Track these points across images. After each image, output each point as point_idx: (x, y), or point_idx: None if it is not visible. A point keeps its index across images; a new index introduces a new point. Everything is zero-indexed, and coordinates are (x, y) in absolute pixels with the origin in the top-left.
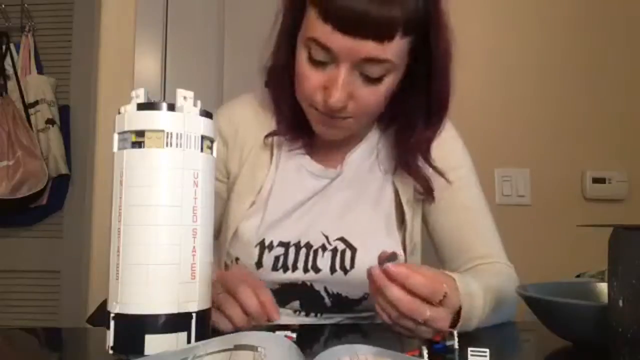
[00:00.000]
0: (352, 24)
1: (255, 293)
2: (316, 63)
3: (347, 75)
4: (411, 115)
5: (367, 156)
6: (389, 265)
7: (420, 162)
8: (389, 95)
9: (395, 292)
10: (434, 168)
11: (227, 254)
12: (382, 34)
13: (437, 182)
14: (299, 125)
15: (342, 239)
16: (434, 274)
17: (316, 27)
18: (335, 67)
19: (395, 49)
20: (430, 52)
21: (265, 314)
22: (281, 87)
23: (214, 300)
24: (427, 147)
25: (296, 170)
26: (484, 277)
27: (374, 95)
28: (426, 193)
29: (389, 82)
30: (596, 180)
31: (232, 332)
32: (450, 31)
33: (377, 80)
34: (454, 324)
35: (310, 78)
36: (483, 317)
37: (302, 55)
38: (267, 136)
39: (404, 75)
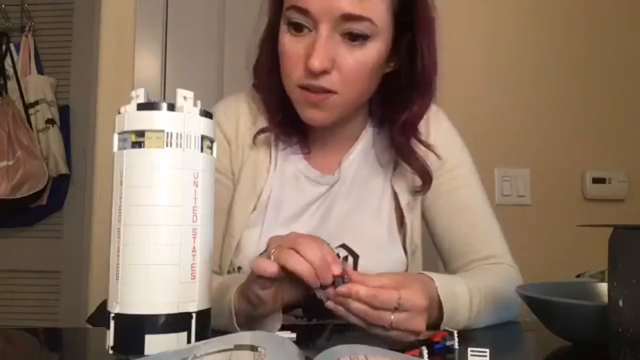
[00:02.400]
0: None
1: (317, 246)
2: (296, 30)
3: (327, 37)
4: (402, 98)
5: (365, 157)
6: (339, 289)
7: (414, 146)
8: (376, 73)
9: (354, 306)
10: (424, 144)
11: (230, 263)
12: None
13: (439, 185)
14: (290, 122)
15: (343, 246)
16: (388, 281)
17: None
18: (315, 32)
19: (374, 9)
20: (413, 24)
21: (329, 266)
22: (269, 83)
23: (272, 256)
24: (413, 124)
25: (294, 176)
26: (479, 277)
27: (358, 64)
28: (423, 180)
29: (374, 50)
30: (596, 180)
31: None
32: (433, 6)
33: (360, 42)
34: (437, 324)
35: (290, 48)
36: (472, 316)
37: (283, 30)
38: (257, 134)
39: (391, 60)
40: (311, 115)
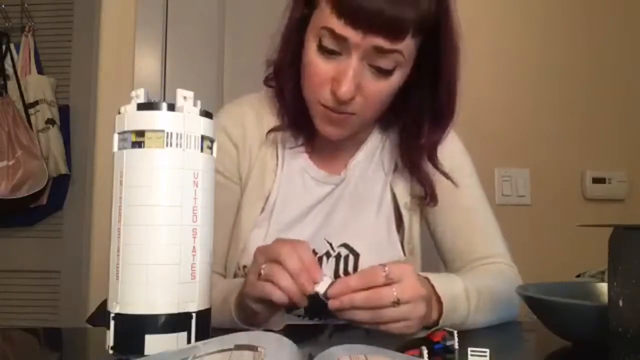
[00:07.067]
0: (364, 22)
1: (299, 256)
2: (326, 53)
3: (357, 66)
4: (417, 114)
5: (370, 159)
6: (332, 305)
7: (424, 164)
8: (395, 92)
9: (356, 296)
10: (442, 172)
11: (237, 264)
12: (394, 33)
13: (439, 184)
14: (302, 121)
15: (345, 245)
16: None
17: (329, 19)
18: (347, 57)
19: (406, 45)
20: (439, 51)
21: (309, 275)
22: (287, 81)
23: (260, 273)
24: (434, 149)
25: (300, 177)
26: (477, 277)
27: (381, 91)
28: (429, 197)
29: (397, 78)
30: (596, 180)
31: (286, 304)
32: (459, 33)
33: (387, 73)
34: (436, 322)
35: (319, 68)
36: (470, 312)
37: (311, 46)
38: (269, 132)
39: (410, 74)
40: (329, 131)
